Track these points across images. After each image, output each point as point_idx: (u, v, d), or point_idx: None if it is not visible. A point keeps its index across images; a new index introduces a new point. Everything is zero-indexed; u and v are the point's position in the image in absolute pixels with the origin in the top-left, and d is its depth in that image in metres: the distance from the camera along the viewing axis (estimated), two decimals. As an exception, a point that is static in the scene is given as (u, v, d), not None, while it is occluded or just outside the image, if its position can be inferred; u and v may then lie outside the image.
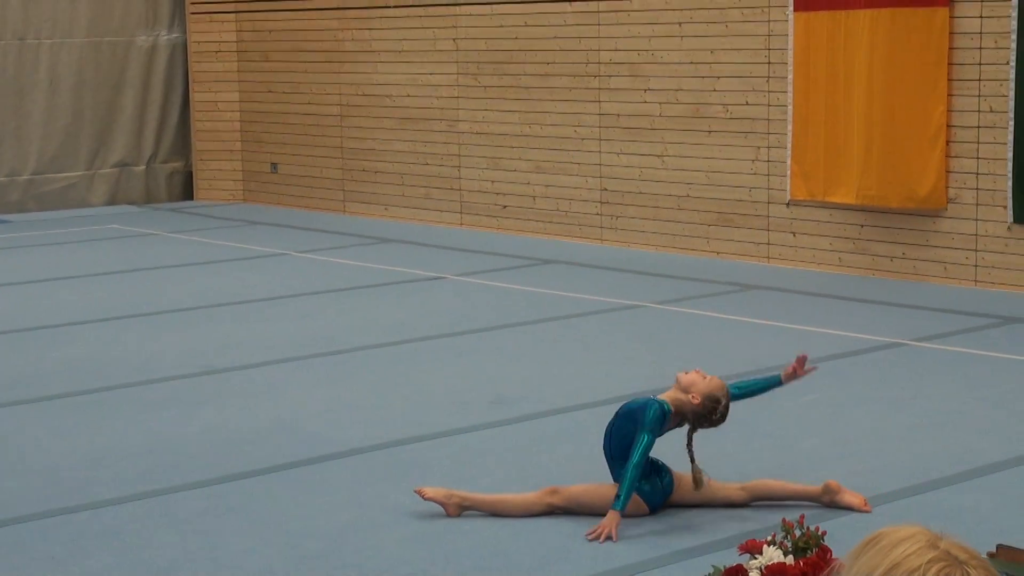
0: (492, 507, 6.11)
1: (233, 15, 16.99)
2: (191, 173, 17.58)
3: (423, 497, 6.09)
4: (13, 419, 7.87)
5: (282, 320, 10.40)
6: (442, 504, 6.09)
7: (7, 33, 16.42)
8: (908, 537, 1.85)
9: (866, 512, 5.98)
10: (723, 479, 6.41)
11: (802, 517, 3.81)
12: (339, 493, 6.47)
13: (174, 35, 17.32)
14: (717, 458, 6.74)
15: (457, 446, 7.16)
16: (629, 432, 5.96)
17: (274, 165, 16.88)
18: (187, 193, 17.61)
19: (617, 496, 5.81)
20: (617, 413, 6.13)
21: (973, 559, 1.84)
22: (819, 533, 3.68)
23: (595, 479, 6.47)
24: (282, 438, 7.34)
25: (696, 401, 5.89)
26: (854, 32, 11.41)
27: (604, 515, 5.84)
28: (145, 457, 7.07)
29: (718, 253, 12.70)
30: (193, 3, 17.18)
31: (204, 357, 9.21)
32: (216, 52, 17.10)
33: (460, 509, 6.09)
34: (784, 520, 3.82)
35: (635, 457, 5.80)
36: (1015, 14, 10.59)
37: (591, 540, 5.75)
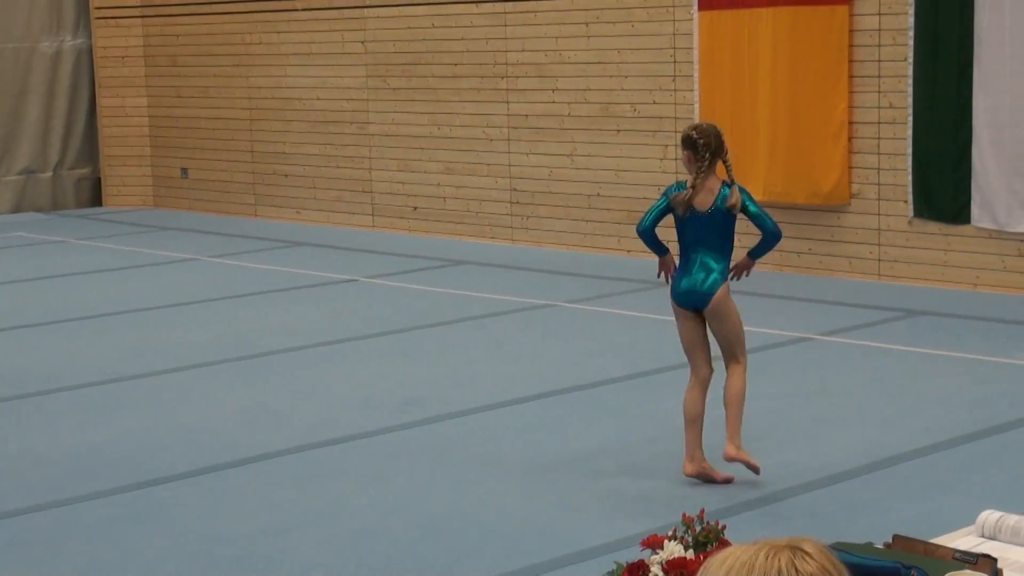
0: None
1: (139, 20, 16.87)
2: (99, 179, 17.44)
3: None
4: (-80, 431, 7.79)
5: (193, 325, 10.36)
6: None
7: (-92, 40, 16.20)
8: (731, 550, 2.04)
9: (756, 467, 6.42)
10: (631, 470, 6.52)
11: (702, 511, 3.90)
12: (251, 498, 6.47)
13: (79, 40, 17.16)
14: (623, 452, 6.83)
15: (369, 448, 7.19)
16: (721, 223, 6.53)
17: (184, 170, 16.79)
18: (95, 199, 17.46)
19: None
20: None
21: (795, 540, 2.02)
22: (719, 527, 3.76)
23: (510, 478, 6.53)
24: (193, 443, 7.33)
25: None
26: (757, 31, 11.57)
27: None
28: (53, 466, 7.03)
29: (629, 251, 12.80)
30: (98, 8, 17.04)
31: (114, 364, 9.16)
32: (123, 57, 16.97)
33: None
34: (684, 515, 3.91)
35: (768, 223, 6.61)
36: (912, 11, 10.79)
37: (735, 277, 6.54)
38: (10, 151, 16.92)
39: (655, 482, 6.50)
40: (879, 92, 11.10)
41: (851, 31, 11.13)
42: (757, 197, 11.61)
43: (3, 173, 16.95)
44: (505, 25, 13.43)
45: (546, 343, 9.53)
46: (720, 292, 6.42)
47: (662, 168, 12.42)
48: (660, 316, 10.19)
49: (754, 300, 10.60)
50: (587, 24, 12.83)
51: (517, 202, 13.60)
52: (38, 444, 7.41)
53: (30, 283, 12.38)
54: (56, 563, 5.77)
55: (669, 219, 6.56)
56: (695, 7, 11.98)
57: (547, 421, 7.55)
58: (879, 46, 11.04)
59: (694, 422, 6.44)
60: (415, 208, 14.49)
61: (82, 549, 5.90)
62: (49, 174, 17.22)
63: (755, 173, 11.68)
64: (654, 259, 12.60)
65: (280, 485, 6.64)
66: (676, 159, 12.34)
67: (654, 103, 12.45)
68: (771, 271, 11.68)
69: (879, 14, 11.00)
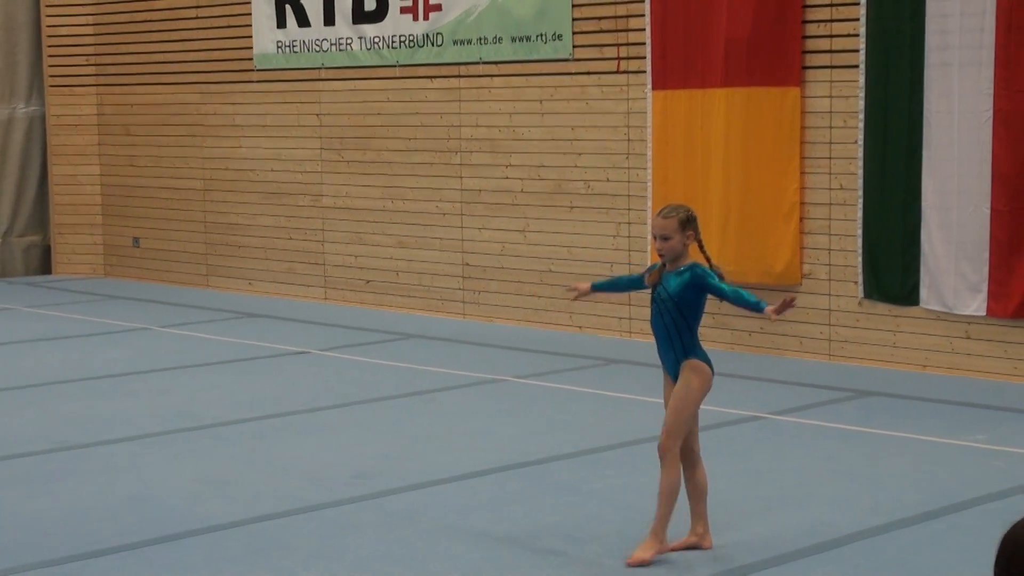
0: (669, 510, 6.43)
1: (94, 88, 16.87)
2: (49, 247, 17.34)
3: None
4: None
5: (143, 395, 10.29)
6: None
7: None
8: None
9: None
10: (580, 546, 6.49)
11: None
12: (199, 571, 6.40)
13: (32, 108, 17.13)
14: (572, 528, 6.81)
15: (319, 522, 7.14)
16: (695, 299, 6.79)
17: (136, 239, 16.73)
18: (45, 267, 17.36)
19: (755, 303, 6.46)
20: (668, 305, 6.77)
21: None
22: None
23: (459, 553, 6.49)
24: (140, 515, 7.25)
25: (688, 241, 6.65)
26: (710, 111, 11.68)
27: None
28: (-2, 537, 6.94)
29: (580, 328, 12.83)
30: (52, 76, 17.03)
31: (61, 433, 9.07)
32: (76, 125, 16.94)
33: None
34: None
35: (743, 293, 6.50)
36: (862, 94, 10.94)
37: (776, 317, 6.30)
38: (-40, 217, 16.83)
39: (604, 559, 6.48)
40: (830, 173, 11.22)
41: (803, 113, 11.26)
42: (709, 275, 11.75)
43: (-48, 239, 16.85)
44: (460, 100, 13.51)
45: (496, 418, 9.52)
46: None
47: (615, 245, 12.49)
48: (612, 393, 10.20)
49: (705, 378, 10.62)
50: (541, 101, 12.92)
51: (469, 277, 13.63)
52: (-18, 514, 7.31)
53: (-23, 350, 12.27)
54: (-2, 636, 5.68)
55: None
56: (649, 86, 12.10)
57: (496, 496, 7.52)
58: (830, 128, 11.17)
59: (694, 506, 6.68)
60: (367, 281, 14.49)
61: (25, 621, 5.82)
62: (-2, 241, 17.13)
63: (707, 252, 11.74)
64: (605, 334, 12.65)
65: (228, 557, 6.58)
66: (629, 236, 12.40)
67: (607, 180, 12.54)
68: (722, 350, 11.72)
69: (830, 96, 11.15)
